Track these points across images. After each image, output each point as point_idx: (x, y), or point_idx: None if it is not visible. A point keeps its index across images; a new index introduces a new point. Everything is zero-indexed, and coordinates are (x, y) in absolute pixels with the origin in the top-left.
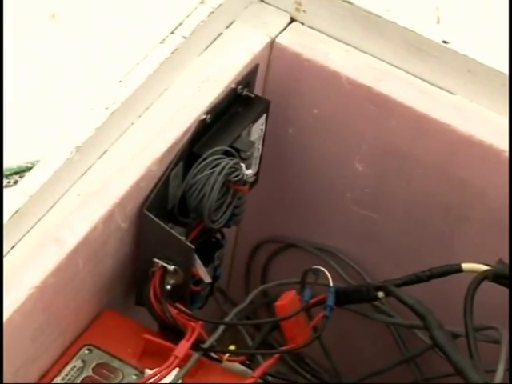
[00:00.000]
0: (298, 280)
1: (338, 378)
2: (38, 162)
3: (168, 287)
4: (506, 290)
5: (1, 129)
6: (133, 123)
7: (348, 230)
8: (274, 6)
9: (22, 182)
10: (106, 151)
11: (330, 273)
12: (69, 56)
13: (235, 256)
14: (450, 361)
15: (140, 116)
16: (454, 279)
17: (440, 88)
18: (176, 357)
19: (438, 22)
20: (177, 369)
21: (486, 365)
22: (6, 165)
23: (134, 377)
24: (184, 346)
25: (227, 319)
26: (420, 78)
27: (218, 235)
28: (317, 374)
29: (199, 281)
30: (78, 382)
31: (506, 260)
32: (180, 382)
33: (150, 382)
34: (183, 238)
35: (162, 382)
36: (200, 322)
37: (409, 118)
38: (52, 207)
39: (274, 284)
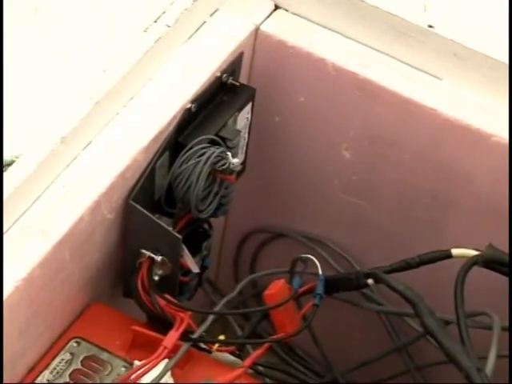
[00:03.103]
0: (287, 269)
1: (328, 367)
2: (22, 154)
3: (156, 278)
4: (496, 276)
5: (1, 129)
6: (117, 113)
7: (336, 218)
8: None
9: (6, 174)
10: (90, 142)
11: (319, 261)
12: (52, 47)
13: (223, 247)
14: (441, 347)
15: (124, 106)
16: (444, 265)
17: (426, 73)
18: (165, 347)
19: (425, 10)
20: (166, 360)
21: (479, 351)
22: None
23: (123, 369)
24: (173, 337)
25: (216, 309)
26: (406, 63)
27: (206, 225)
28: (307, 364)
29: (187, 271)
30: (67, 374)
31: (496, 245)
32: (169, 373)
33: (138, 373)
34: (170, 229)
35: (150, 373)
36: (189, 313)
37: (395, 104)
38: (37, 199)
39: (263, 274)
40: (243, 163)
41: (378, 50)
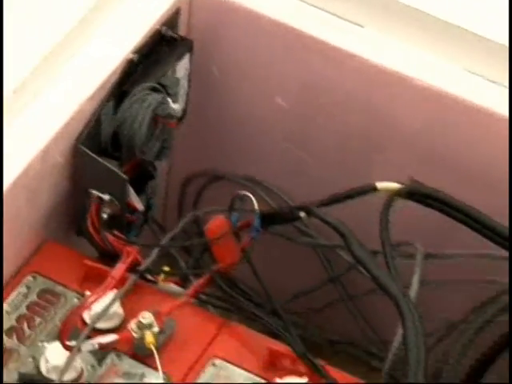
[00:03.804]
0: (226, 207)
1: (268, 299)
2: None
3: (105, 216)
4: (419, 207)
5: (1, 130)
6: (65, 66)
7: (273, 162)
8: None
9: None
10: (40, 93)
11: (257, 201)
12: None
13: (169, 190)
14: (370, 275)
15: (71, 58)
16: (371, 200)
17: (352, 22)
18: (113, 277)
19: None
20: (115, 290)
21: (406, 280)
22: None
23: (76, 300)
24: (120, 268)
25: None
26: (334, 15)
27: (151, 168)
28: (248, 296)
29: (134, 210)
30: (24, 306)
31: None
32: (118, 303)
33: (89, 301)
34: (117, 170)
35: (101, 303)
36: (135, 247)
37: (325, 53)
38: None
39: (204, 211)
40: (184, 110)
41: (309, 3)
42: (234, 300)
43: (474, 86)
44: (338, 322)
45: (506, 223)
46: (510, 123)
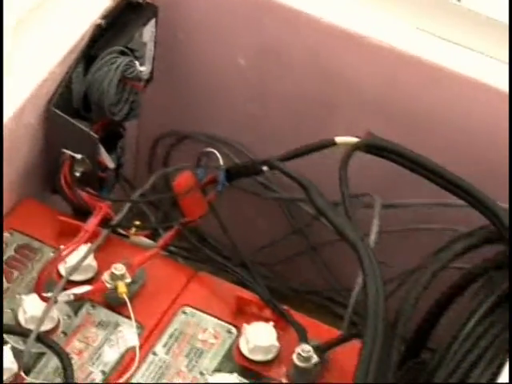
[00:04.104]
0: (193, 164)
1: (235, 251)
2: None
3: (77, 174)
4: (377, 160)
5: (1, 130)
6: (34, 31)
7: (236, 120)
8: None
9: None
10: (12, 58)
11: (222, 159)
12: None
13: (139, 150)
14: (331, 224)
15: (41, 24)
16: (330, 155)
17: None
18: (86, 231)
19: None
20: (89, 244)
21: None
22: None
23: (52, 254)
24: (93, 222)
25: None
26: None
27: (120, 129)
28: (217, 250)
29: (105, 168)
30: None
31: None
32: (92, 255)
33: (64, 254)
34: (88, 130)
35: (76, 256)
36: (107, 203)
37: (281, 15)
38: None
39: (172, 168)
40: (151, 73)
41: None
42: (203, 253)
43: (424, 43)
44: (302, 273)
45: (453, 169)
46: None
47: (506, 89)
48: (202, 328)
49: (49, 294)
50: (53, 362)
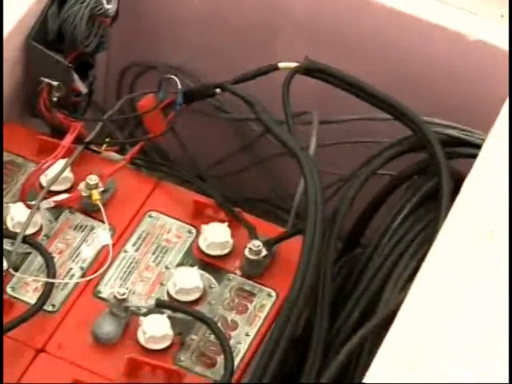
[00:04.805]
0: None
1: (194, 166)
2: None
3: (54, 99)
4: (315, 82)
5: (1, 132)
6: None
7: (193, 52)
8: None
9: None
10: None
11: (181, 85)
12: None
13: (108, 80)
14: (276, 138)
15: None
16: (275, 78)
17: None
18: (63, 146)
19: None
20: (66, 159)
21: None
22: None
23: (33, 168)
24: (69, 139)
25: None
26: None
27: (90, 60)
28: (177, 166)
29: (79, 94)
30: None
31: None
32: (69, 169)
33: (43, 167)
34: (62, 59)
35: (54, 169)
36: (80, 123)
37: None
38: None
39: (137, 94)
40: (116, 10)
41: None
42: (166, 166)
43: None
44: (252, 184)
45: (382, 88)
46: None
47: (428, 18)
48: (166, 229)
49: (32, 202)
50: (37, 260)
